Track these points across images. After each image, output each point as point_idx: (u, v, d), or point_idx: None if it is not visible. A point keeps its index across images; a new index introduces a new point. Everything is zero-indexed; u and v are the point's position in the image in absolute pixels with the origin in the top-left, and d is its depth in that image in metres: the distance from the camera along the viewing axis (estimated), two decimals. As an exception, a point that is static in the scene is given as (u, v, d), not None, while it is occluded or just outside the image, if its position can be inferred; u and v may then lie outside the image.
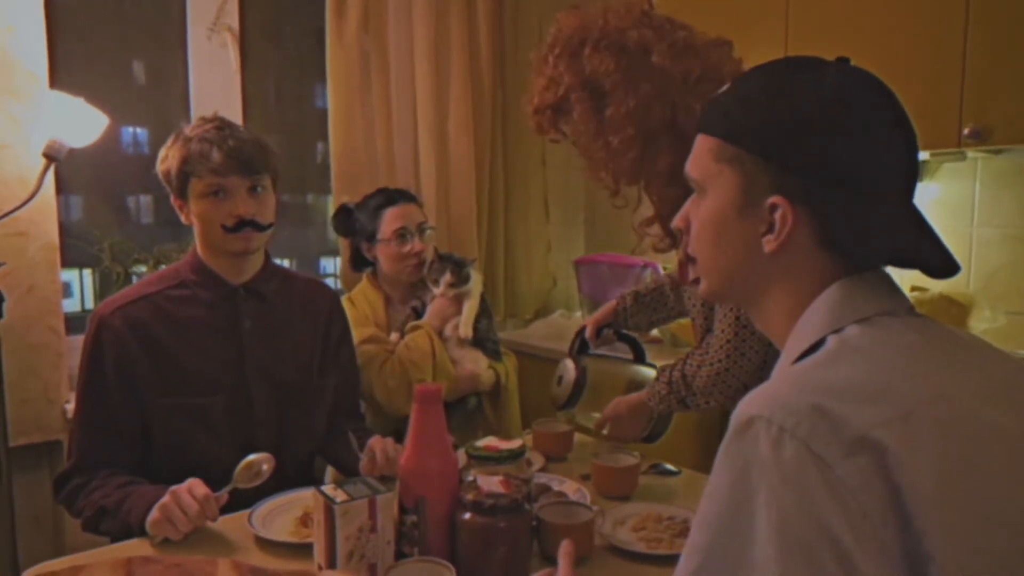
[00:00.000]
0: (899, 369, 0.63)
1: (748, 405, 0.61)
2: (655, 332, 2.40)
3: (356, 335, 1.75)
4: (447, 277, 1.95)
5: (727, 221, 0.73)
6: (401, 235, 1.97)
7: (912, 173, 0.70)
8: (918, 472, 0.56)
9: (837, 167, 0.67)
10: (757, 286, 0.74)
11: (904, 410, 0.58)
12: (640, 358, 1.66)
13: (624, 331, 1.67)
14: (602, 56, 1.22)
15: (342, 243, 2.37)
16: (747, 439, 0.59)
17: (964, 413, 0.61)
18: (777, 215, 0.69)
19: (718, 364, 1.32)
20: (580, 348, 1.63)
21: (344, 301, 2.03)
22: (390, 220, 1.98)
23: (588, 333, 1.63)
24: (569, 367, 1.57)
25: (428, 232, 2.03)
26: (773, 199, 0.69)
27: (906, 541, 0.55)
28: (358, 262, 2.12)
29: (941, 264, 0.68)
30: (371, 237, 2.02)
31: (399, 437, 1.38)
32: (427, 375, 1.88)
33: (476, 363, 2.00)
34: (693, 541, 0.61)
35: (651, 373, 1.60)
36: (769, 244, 0.70)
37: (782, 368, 0.71)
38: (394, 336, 1.97)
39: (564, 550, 0.88)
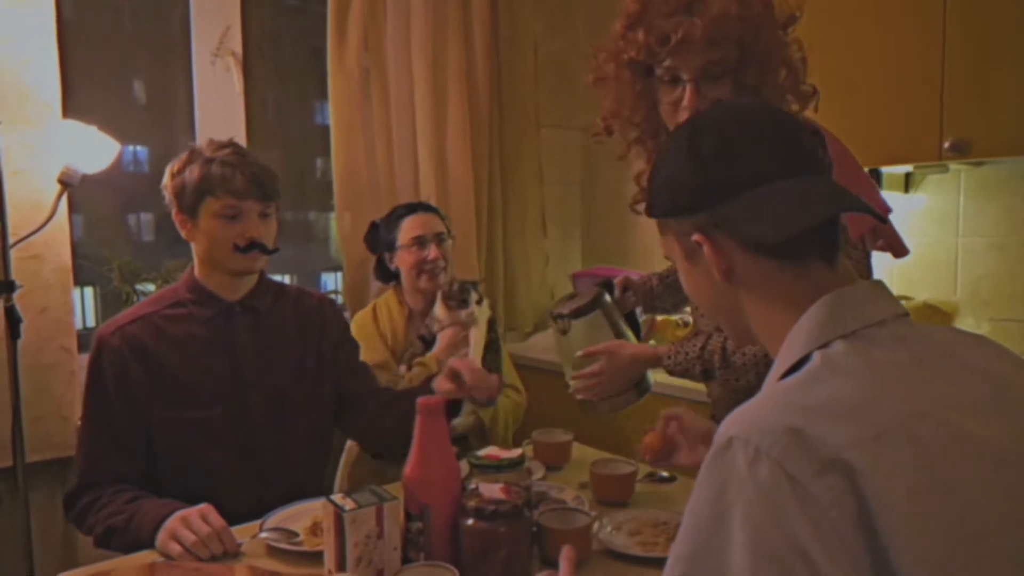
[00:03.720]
0: (880, 386, 0.66)
1: (729, 425, 0.65)
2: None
3: (366, 358, 1.76)
4: (474, 296, 1.98)
5: (690, 271, 0.83)
6: (419, 242, 2.01)
7: (789, 156, 0.76)
8: (887, 491, 0.59)
9: (718, 188, 0.76)
10: (738, 311, 0.80)
11: (878, 430, 0.61)
12: (638, 336, 1.63)
13: (630, 311, 1.64)
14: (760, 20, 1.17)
15: (345, 259, 2.43)
16: (726, 458, 0.63)
17: (943, 429, 0.63)
18: (704, 249, 0.77)
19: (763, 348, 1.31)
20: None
21: (367, 312, 2.08)
22: (409, 227, 2.03)
23: (617, 281, 1.61)
24: (593, 289, 1.52)
25: (447, 242, 2.06)
26: (695, 238, 0.78)
27: (874, 556, 0.58)
28: (384, 274, 2.15)
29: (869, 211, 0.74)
30: (391, 246, 2.06)
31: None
32: None
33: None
34: (676, 552, 0.66)
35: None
36: (717, 273, 0.78)
37: (768, 384, 0.75)
38: (402, 368, 1.98)
39: (565, 555, 0.93)
